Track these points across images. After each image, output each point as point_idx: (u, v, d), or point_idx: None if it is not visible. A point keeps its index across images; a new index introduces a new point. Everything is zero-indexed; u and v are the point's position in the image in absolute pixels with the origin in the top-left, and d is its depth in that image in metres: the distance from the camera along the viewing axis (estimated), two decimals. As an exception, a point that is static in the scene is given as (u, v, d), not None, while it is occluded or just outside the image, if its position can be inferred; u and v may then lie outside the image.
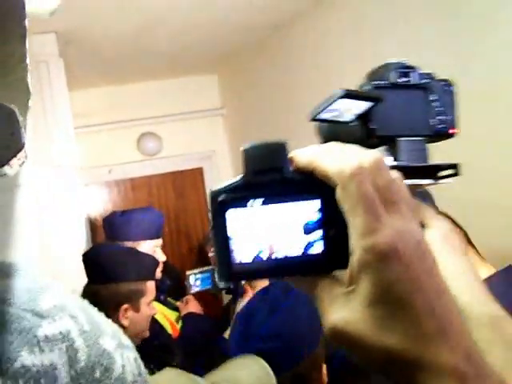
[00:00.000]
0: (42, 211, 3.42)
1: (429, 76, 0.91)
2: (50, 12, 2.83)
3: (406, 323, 0.49)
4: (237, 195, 0.55)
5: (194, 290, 3.75)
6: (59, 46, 3.84)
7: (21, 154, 0.83)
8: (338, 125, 0.88)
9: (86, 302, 0.66)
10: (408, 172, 0.82)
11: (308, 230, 0.55)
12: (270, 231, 0.55)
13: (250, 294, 2.12)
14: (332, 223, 0.55)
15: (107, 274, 2.47)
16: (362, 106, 0.82)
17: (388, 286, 0.49)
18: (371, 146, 0.87)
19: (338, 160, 0.53)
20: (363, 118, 0.85)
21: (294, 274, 0.57)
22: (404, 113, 0.88)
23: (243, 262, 0.55)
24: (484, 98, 2.63)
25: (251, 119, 5.31)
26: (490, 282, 1.82)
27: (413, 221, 0.53)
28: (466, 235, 1.96)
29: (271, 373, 1.77)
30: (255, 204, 0.55)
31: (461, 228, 1.98)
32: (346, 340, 0.51)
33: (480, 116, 2.55)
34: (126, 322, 2.41)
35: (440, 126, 0.89)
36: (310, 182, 0.55)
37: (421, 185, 0.88)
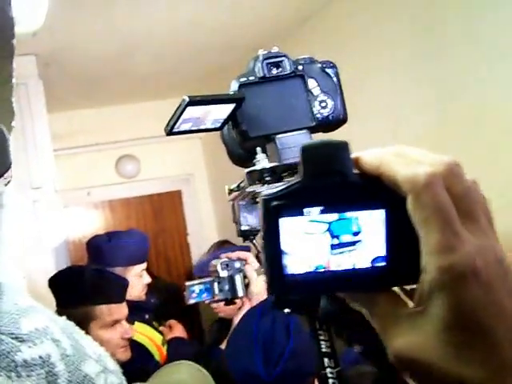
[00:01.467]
0: (22, 232, 3.40)
1: (304, 61, 0.82)
2: (33, 33, 2.83)
3: (486, 352, 0.43)
4: (293, 202, 0.49)
5: (191, 301, 3.77)
6: (39, 67, 3.84)
7: (7, 174, 0.84)
8: (222, 131, 0.83)
9: (71, 325, 0.63)
10: (291, 170, 0.77)
11: (370, 241, 0.50)
12: (328, 242, 0.49)
13: (246, 306, 2.10)
14: (398, 235, 0.49)
15: (58, 300, 2.49)
16: (225, 109, 0.76)
17: (466, 309, 0.44)
18: (248, 148, 0.82)
19: (410, 165, 0.47)
20: (232, 121, 0.79)
21: (354, 290, 0.52)
22: (280, 107, 0.80)
23: (298, 274, 0.50)
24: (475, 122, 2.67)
25: (230, 142, 5.30)
26: None
27: (492, 235, 0.47)
28: None
29: (207, 373, 1.79)
30: (313, 212, 0.49)
31: None
32: (413, 367, 0.46)
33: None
34: None
35: (324, 114, 0.81)
36: (375, 188, 0.49)
37: None
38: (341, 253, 0.49)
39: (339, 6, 3.65)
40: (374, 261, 0.50)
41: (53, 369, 0.54)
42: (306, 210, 0.48)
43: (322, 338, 0.79)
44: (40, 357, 0.54)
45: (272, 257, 0.49)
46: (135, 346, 2.76)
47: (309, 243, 0.49)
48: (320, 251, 0.49)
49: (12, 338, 0.54)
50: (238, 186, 0.84)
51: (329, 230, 0.49)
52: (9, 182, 0.94)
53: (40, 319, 0.58)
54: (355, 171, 0.50)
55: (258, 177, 0.77)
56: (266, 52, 0.81)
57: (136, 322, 2.96)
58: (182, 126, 0.76)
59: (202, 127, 0.78)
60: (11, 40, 0.72)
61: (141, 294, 3.27)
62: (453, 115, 2.79)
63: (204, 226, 5.87)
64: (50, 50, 3.77)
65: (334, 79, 0.83)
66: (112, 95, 5.25)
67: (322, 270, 0.50)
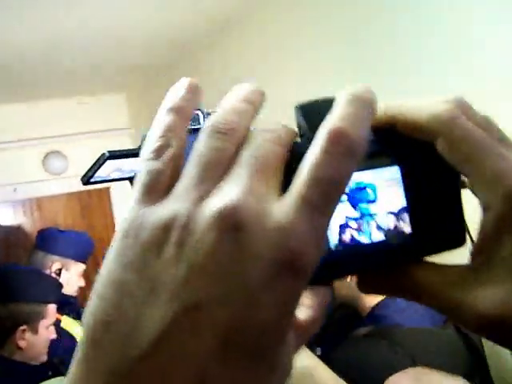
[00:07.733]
0: None
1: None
2: None
3: None
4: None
5: None
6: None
7: None
8: None
9: None
10: None
11: (386, 206, 0.40)
12: (344, 215, 0.40)
13: None
14: (419, 195, 0.40)
15: (6, 294, 2.47)
16: None
17: None
18: None
19: (425, 108, 0.40)
20: None
21: (378, 265, 0.41)
22: None
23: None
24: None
25: (159, 139, 5.29)
26: None
27: None
28: None
29: None
30: None
31: None
32: (506, 327, 0.36)
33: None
34: (23, 344, 2.40)
35: None
36: (385, 141, 0.41)
37: None
38: (357, 228, 0.40)
39: (262, 10, 3.67)
40: (388, 230, 0.40)
41: None
42: None
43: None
44: None
45: None
46: (70, 337, 2.86)
47: None
48: (336, 225, 0.40)
49: None
50: None
51: (348, 199, 0.40)
52: None
53: None
54: None
55: None
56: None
57: (66, 317, 3.04)
58: (99, 176, 0.75)
59: (121, 177, 0.78)
60: None
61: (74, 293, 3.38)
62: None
63: (133, 222, 5.82)
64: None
65: None
66: (40, 90, 5.17)
67: (341, 247, 0.39)
